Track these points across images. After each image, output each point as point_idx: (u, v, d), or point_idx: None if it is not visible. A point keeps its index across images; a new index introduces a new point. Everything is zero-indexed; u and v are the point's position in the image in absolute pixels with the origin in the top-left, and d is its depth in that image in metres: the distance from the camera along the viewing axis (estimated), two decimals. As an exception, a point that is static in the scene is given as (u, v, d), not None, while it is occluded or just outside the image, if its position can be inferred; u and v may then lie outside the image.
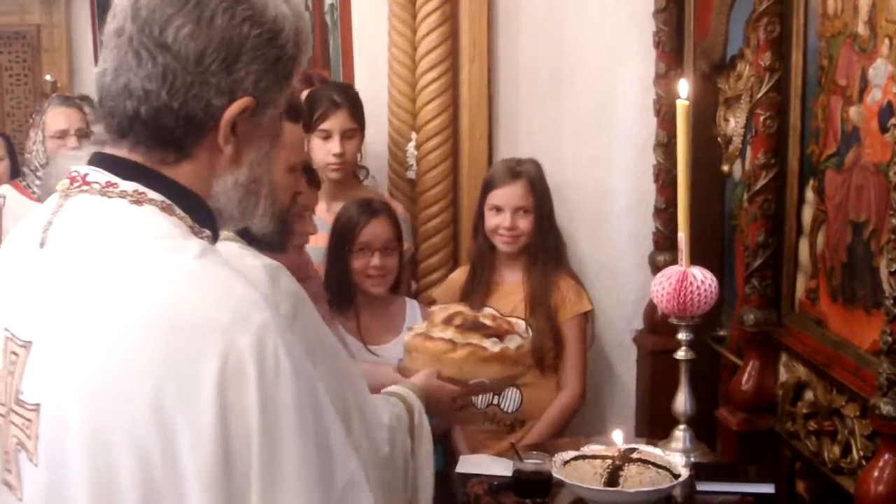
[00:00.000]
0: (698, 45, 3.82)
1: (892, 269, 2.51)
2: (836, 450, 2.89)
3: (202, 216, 1.81)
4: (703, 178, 3.72)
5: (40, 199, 5.04)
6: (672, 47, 3.92)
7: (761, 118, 3.16)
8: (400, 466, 2.63)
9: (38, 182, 5.09)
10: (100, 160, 1.79)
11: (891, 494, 2.55)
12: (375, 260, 4.02)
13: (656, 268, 3.86)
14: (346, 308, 4.07)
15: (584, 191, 4.42)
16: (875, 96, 2.74)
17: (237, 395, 1.60)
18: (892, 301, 2.52)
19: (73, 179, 1.79)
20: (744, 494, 2.99)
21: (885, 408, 2.54)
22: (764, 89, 3.16)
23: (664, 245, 4.00)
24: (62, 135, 5.40)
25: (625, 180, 4.33)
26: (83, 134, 5.44)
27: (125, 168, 1.77)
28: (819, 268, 3.06)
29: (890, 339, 2.54)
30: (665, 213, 3.98)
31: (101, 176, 1.76)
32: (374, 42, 5.08)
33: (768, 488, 3.01)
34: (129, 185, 1.75)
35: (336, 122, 4.45)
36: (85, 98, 7.47)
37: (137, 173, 1.77)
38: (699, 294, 3.06)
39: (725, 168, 3.69)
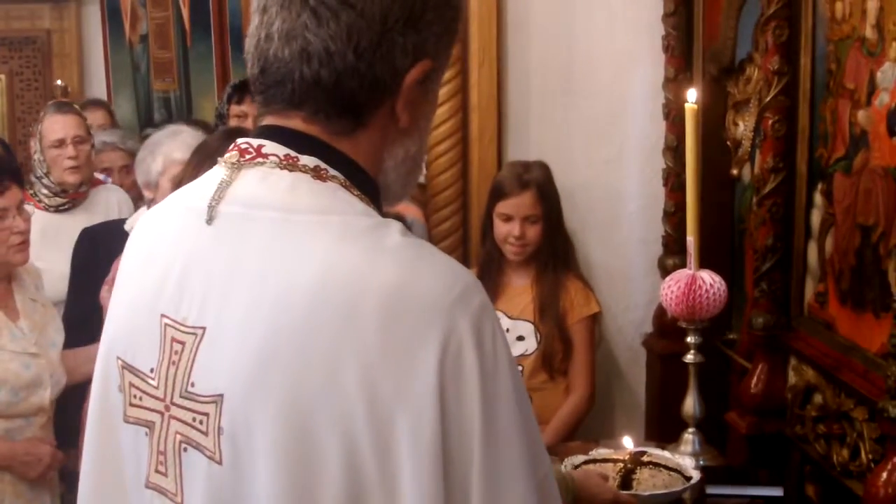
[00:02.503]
0: (707, 49, 3.82)
1: (901, 273, 2.52)
2: (845, 453, 2.89)
3: (371, 195, 1.68)
4: (713, 181, 3.72)
5: (48, 208, 5.07)
6: (681, 51, 3.93)
7: (770, 122, 3.17)
8: None
9: (44, 191, 5.10)
10: (270, 132, 1.66)
11: (900, 497, 2.56)
12: None
13: (665, 271, 3.86)
14: None
15: (593, 194, 4.43)
16: (883, 100, 2.74)
17: (457, 383, 1.50)
18: (900, 304, 2.53)
19: (243, 151, 1.65)
20: (753, 498, 3.00)
21: (894, 411, 2.54)
22: (772, 93, 3.16)
23: (673, 248, 4.01)
24: (59, 144, 5.39)
25: (634, 184, 4.34)
26: (81, 140, 5.43)
27: (300, 141, 1.64)
28: (828, 271, 3.07)
29: (898, 342, 2.54)
30: (674, 216, 3.99)
31: (278, 148, 1.63)
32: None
33: (777, 492, 3.02)
34: (310, 160, 1.62)
35: None
36: (98, 102, 7.49)
37: (315, 148, 1.64)
38: (708, 297, 3.07)
39: (735, 171, 3.70)
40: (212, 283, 1.58)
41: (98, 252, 4.29)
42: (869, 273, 2.84)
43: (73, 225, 4.98)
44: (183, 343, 1.59)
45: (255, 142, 1.64)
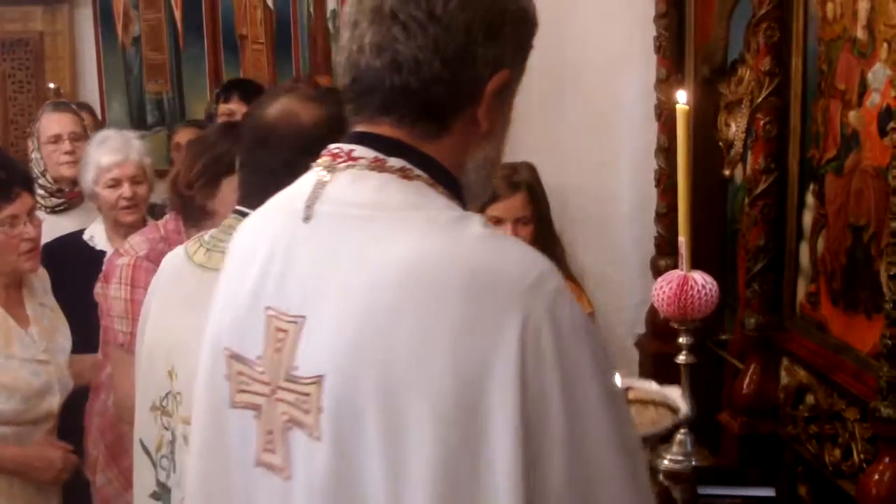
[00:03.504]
0: (699, 49, 3.83)
1: (892, 273, 2.52)
2: (838, 453, 2.90)
3: (455, 193, 1.83)
4: (705, 182, 3.73)
5: (43, 209, 5.05)
6: (673, 52, 3.94)
7: (761, 123, 3.17)
8: None
9: (40, 192, 5.10)
10: (361, 138, 1.81)
11: (891, 497, 2.56)
12: None
13: (658, 272, 3.86)
14: None
15: (586, 196, 4.43)
16: (874, 100, 2.74)
17: (536, 361, 1.63)
18: (891, 305, 2.53)
19: (335, 155, 1.82)
20: (746, 498, 3.00)
21: (886, 411, 2.55)
22: (764, 94, 3.16)
23: (666, 249, 4.01)
24: (56, 139, 5.42)
25: (627, 185, 4.34)
26: (77, 137, 5.45)
27: (387, 145, 1.79)
28: (819, 271, 3.07)
29: (890, 342, 2.54)
30: (666, 217, 3.99)
31: (367, 152, 1.79)
32: (375, 48, 5.09)
33: (770, 492, 3.02)
34: (397, 162, 1.78)
35: None
36: (83, 105, 7.49)
37: (401, 150, 1.78)
38: (700, 298, 3.07)
39: (727, 172, 3.70)
40: (310, 276, 1.75)
41: (57, 268, 4.28)
42: (860, 273, 2.85)
43: (68, 226, 4.98)
44: (286, 331, 1.75)
45: (347, 147, 1.81)
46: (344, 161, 1.80)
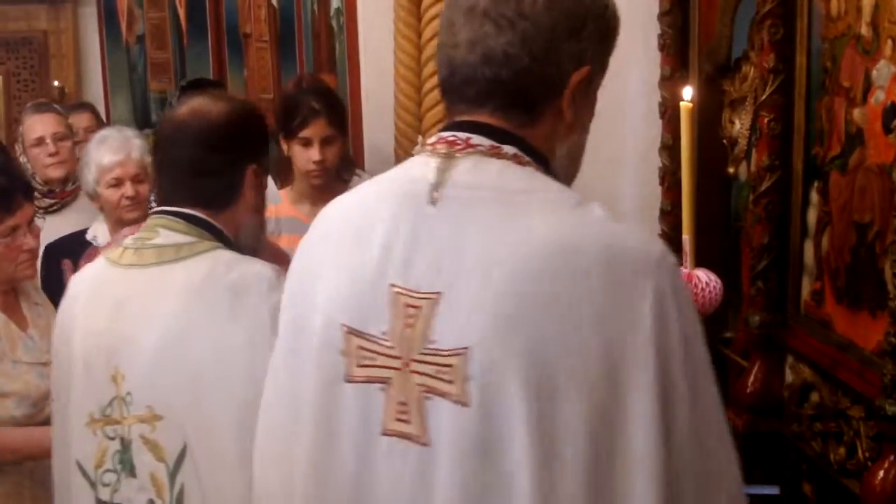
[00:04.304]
0: (703, 47, 3.82)
1: (896, 271, 2.52)
2: (842, 451, 2.89)
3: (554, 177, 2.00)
4: (709, 180, 3.72)
5: (36, 210, 5.05)
6: (677, 50, 3.92)
7: (766, 120, 3.17)
8: None
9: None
10: (470, 127, 1.97)
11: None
12: None
13: (662, 270, 3.85)
14: None
15: (590, 193, 4.38)
16: (878, 97, 2.74)
17: (664, 330, 1.82)
18: (896, 302, 2.53)
19: (451, 143, 1.96)
20: (750, 496, 2.99)
21: (890, 409, 2.54)
22: (768, 91, 3.16)
23: (670, 247, 3.99)
24: (39, 142, 5.44)
25: (631, 183, 4.33)
26: (61, 137, 5.46)
27: (498, 133, 1.95)
28: (824, 269, 3.06)
29: (894, 339, 2.54)
30: (671, 215, 3.98)
31: (483, 139, 1.95)
32: (379, 46, 5.11)
33: (774, 490, 3.02)
34: (510, 149, 1.95)
35: (315, 129, 4.50)
36: (86, 105, 7.50)
37: (510, 138, 1.96)
38: (704, 296, 3.07)
39: (731, 170, 3.69)
40: (442, 255, 1.87)
41: (62, 267, 4.29)
42: (865, 271, 2.84)
43: (62, 226, 4.99)
44: (418, 307, 1.87)
45: (461, 135, 1.96)
46: (462, 147, 1.95)
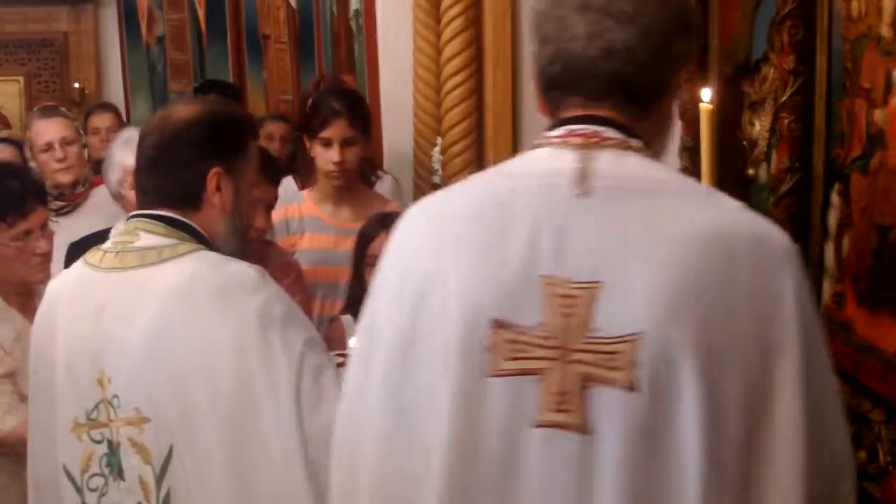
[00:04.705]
0: (723, 48, 3.81)
1: (918, 273, 2.51)
2: (863, 455, 2.88)
3: None
4: (729, 181, 3.69)
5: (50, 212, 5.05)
6: (696, 51, 3.91)
7: (786, 121, 3.16)
8: None
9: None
10: (591, 120, 2.00)
11: (917, 500, 2.55)
12: None
13: (682, 272, 3.85)
14: None
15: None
16: (900, 99, 2.73)
17: (805, 310, 1.94)
18: (918, 305, 2.52)
19: (587, 136, 1.98)
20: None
21: (912, 412, 2.54)
22: (788, 93, 3.15)
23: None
24: (48, 148, 5.43)
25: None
26: (69, 142, 5.45)
27: (620, 127, 1.99)
28: (845, 272, 3.05)
29: (916, 343, 2.53)
30: (691, 216, 3.97)
31: (615, 133, 1.98)
32: (398, 47, 5.11)
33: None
34: (637, 143, 1.99)
35: (336, 130, 4.48)
36: (108, 105, 7.50)
37: (634, 133, 2.00)
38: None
39: (751, 171, 3.67)
40: (598, 245, 1.90)
41: None
42: (886, 273, 2.83)
43: (74, 227, 4.98)
44: (576, 297, 1.88)
45: (592, 128, 1.99)
46: (598, 141, 1.97)
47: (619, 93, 1.98)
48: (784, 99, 3.16)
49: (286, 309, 2.75)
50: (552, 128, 2.06)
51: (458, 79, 4.76)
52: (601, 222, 1.91)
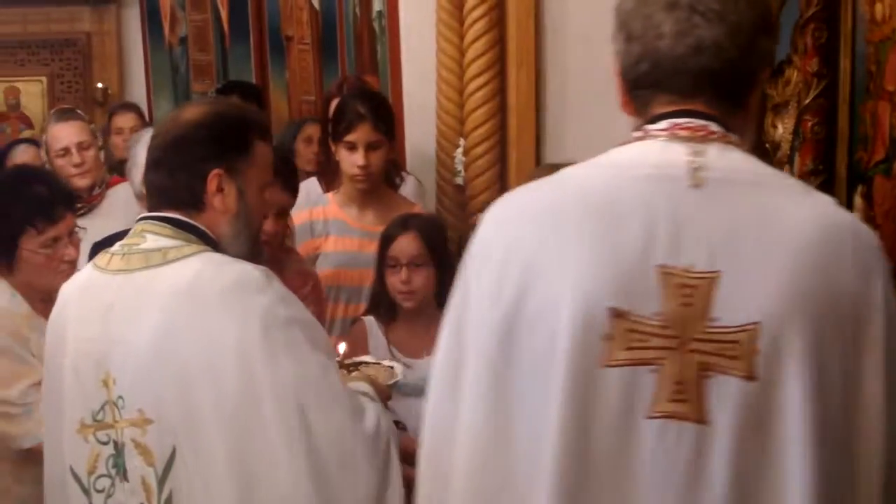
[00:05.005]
0: (746, 50, 3.81)
1: (942, 276, 2.51)
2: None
3: None
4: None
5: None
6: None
7: (809, 124, 3.16)
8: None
9: None
10: (691, 115, 2.03)
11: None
12: (402, 275, 4.03)
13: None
14: (387, 319, 4.09)
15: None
16: (924, 102, 2.73)
17: (890, 305, 1.98)
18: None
19: (693, 129, 2.01)
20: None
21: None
22: (812, 95, 3.15)
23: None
24: (65, 152, 5.41)
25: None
26: (86, 146, 5.44)
27: (719, 122, 2.03)
28: (868, 274, 3.05)
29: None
30: (713, 218, 3.97)
31: (717, 127, 2.02)
32: (421, 48, 5.10)
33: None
34: (734, 137, 2.03)
35: (360, 134, 4.47)
36: (132, 105, 7.52)
37: (730, 127, 2.04)
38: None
39: (774, 174, 3.68)
40: (715, 236, 1.93)
41: None
42: (909, 276, 2.83)
43: (90, 228, 4.98)
44: (695, 287, 1.91)
45: (698, 122, 2.02)
46: (704, 134, 2.00)
47: (709, 89, 2.02)
48: (807, 102, 3.17)
49: (292, 309, 2.74)
50: (648, 122, 2.07)
51: (481, 80, 4.75)
52: (715, 214, 1.94)
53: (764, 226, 1.93)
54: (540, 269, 1.99)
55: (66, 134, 5.47)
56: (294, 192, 4.18)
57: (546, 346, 1.96)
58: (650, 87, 2.06)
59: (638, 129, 2.09)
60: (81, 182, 5.24)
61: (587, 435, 1.94)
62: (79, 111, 5.94)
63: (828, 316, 1.92)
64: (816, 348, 1.90)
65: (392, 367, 3.45)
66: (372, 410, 2.85)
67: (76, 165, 5.36)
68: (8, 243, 3.64)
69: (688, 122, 2.01)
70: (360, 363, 3.43)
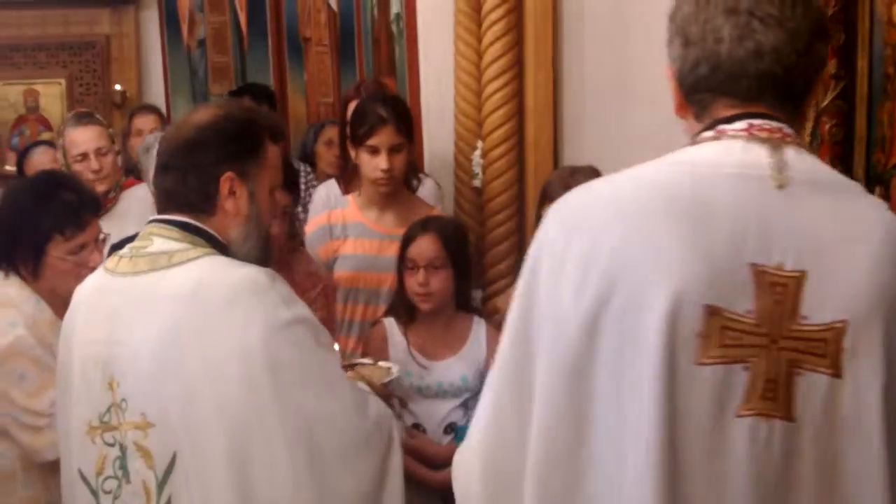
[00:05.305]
0: (764, 52, 3.81)
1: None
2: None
3: None
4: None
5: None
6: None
7: (827, 126, 3.16)
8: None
9: None
10: (760, 117, 2.06)
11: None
12: (419, 277, 4.04)
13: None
14: (408, 320, 4.10)
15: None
16: (941, 104, 2.73)
17: None
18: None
19: (770, 131, 2.04)
20: None
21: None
22: (829, 97, 3.15)
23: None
24: (83, 158, 5.41)
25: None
26: (104, 152, 5.44)
27: (786, 124, 2.06)
28: (886, 276, 3.05)
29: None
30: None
31: (789, 130, 2.05)
32: (439, 51, 5.11)
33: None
34: (801, 140, 2.08)
35: (383, 137, 4.45)
36: (153, 107, 7.54)
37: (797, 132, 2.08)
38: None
39: (792, 176, 3.68)
40: (800, 235, 1.96)
41: None
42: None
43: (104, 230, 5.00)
44: (785, 285, 1.94)
45: (772, 124, 2.05)
46: (780, 136, 2.03)
47: (770, 94, 2.04)
48: (825, 104, 3.17)
49: (294, 310, 2.74)
50: (720, 123, 2.08)
51: (499, 82, 4.76)
52: (801, 213, 1.97)
53: (843, 226, 1.98)
54: (626, 267, 1.97)
55: (84, 139, 5.46)
56: (294, 191, 4.19)
57: (633, 345, 1.95)
58: (709, 90, 2.08)
59: (706, 129, 2.09)
60: (99, 188, 5.23)
61: (680, 435, 1.94)
62: (97, 115, 5.92)
63: (894, 312, 1.97)
64: (888, 346, 1.95)
65: (389, 367, 3.53)
66: (374, 401, 2.90)
67: (94, 171, 5.36)
68: (35, 250, 3.64)
69: (764, 124, 2.04)
70: (356, 363, 3.51)
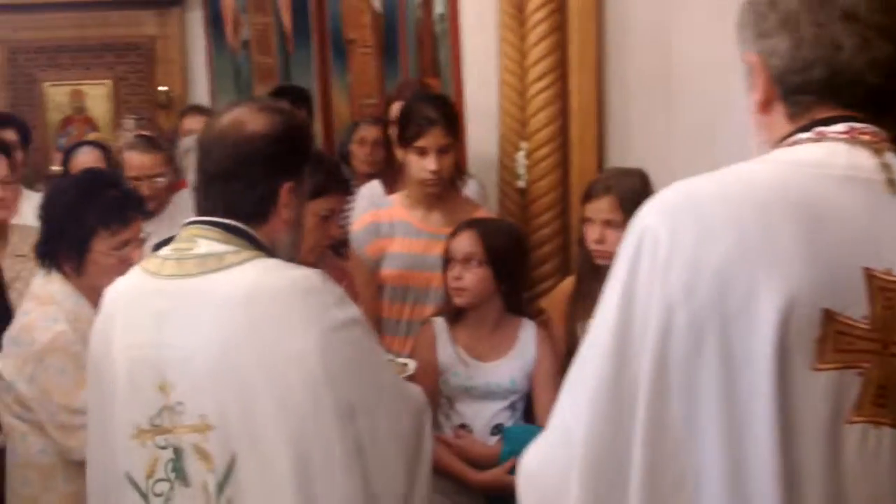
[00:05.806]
0: (809, 53, 3.78)
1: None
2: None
3: None
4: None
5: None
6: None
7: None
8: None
9: None
10: (866, 120, 2.03)
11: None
12: (454, 270, 4.05)
13: (768, 277, 3.83)
14: (455, 320, 4.12)
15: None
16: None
17: None
18: None
19: (872, 135, 2.01)
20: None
21: None
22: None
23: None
24: (136, 179, 5.54)
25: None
26: (157, 176, 5.60)
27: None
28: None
29: None
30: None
31: (885, 135, 2.02)
32: (483, 51, 5.11)
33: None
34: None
35: (431, 139, 4.43)
36: (202, 108, 7.58)
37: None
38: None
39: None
40: None
41: None
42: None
43: (156, 231, 5.03)
44: (894, 291, 1.92)
45: (872, 129, 2.02)
46: (879, 140, 2.00)
47: (873, 105, 2.02)
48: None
49: (349, 311, 2.76)
50: (818, 125, 2.04)
51: (543, 83, 4.75)
52: None
53: None
54: (741, 266, 1.92)
55: (140, 164, 5.68)
56: (348, 191, 4.23)
57: (746, 347, 1.91)
58: (816, 93, 2.04)
59: (801, 131, 2.06)
60: (149, 205, 5.33)
61: (796, 441, 1.91)
62: (160, 140, 6.05)
63: None
64: None
65: (406, 364, 3.56)
66: (415, 390, 2.98)
67: (145, 191, 5.47)
68: (79, 245, 3.67)
69: (865, 128, 2.01)
70: None
